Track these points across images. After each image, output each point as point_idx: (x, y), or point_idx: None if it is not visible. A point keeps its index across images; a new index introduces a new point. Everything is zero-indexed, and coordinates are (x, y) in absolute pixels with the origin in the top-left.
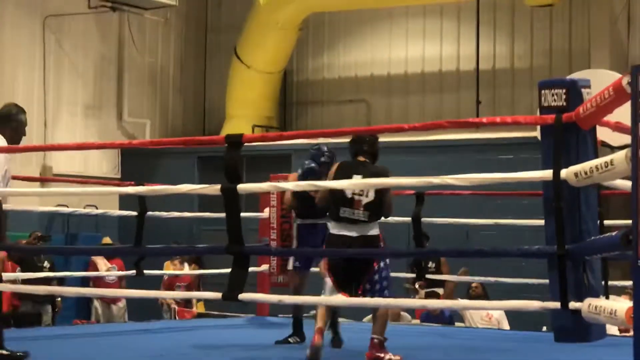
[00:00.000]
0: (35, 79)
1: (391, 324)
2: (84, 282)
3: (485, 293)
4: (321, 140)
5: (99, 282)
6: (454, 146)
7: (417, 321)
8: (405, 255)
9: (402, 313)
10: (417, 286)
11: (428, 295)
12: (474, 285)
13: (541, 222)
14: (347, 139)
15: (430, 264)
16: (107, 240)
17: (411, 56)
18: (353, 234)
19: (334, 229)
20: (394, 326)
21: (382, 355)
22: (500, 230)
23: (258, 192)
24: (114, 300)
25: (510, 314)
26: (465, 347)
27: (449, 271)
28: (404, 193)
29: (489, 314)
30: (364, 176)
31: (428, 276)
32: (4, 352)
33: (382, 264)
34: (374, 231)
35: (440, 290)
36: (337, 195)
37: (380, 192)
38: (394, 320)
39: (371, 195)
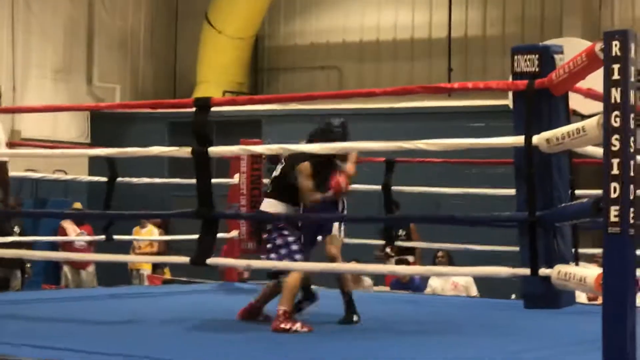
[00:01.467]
0: (4, 42)
1: (353, 289)
2: (53, 247)
3: (452, 262)
4: (294, 106)
5: (68, 247)
6: (425, 113)
7: (387, 288)
8: (376, 221)
9: (363, 278)
10: (388, 251)
11: (398, 262)
12: (440, 254)
13: (512, 191)
14: (318, 105)
15: (401, 232)
16: (77, 205)
17: (383, 23)
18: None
19: None
20: (358, 293)
21: (287, 326)
22: (471, 199)
23: (228, 159)
24: (84, 265)
25: (479, 282)
26: (432, 314)
27: (418, 239)
28: (374, 160)
29: (453, 282)
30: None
31: (398, 243)
32: None
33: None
34: (267, 207)
35: (411, 258)
36: None
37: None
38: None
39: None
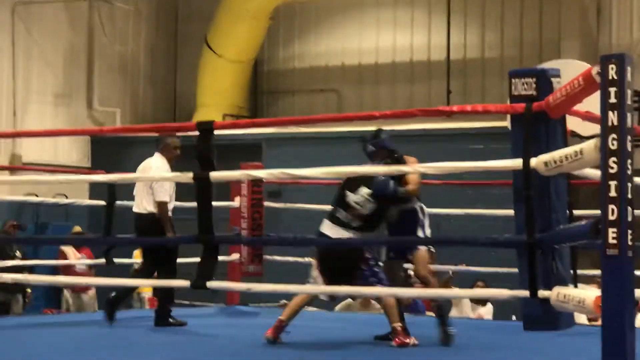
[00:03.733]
0: (4, 68)
1: (361, 312)
2: (54, 272)
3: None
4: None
5: (69, 271)
6: (424, 135)
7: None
8: (376, 244)
9: (372, 301)
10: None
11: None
12: (479, 283)
13: (511, 212)
14: (318, 128)
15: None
16: (77, 229)
17: (382, 46)
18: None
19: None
20: (364, 315)
21: (408, 340)
22: (471, 220)
23: (229, 182)
24: (85, 289)
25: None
26: (433, 336)
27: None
28: None
29: (479, 314)
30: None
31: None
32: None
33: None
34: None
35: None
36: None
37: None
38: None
39: (368, 208)
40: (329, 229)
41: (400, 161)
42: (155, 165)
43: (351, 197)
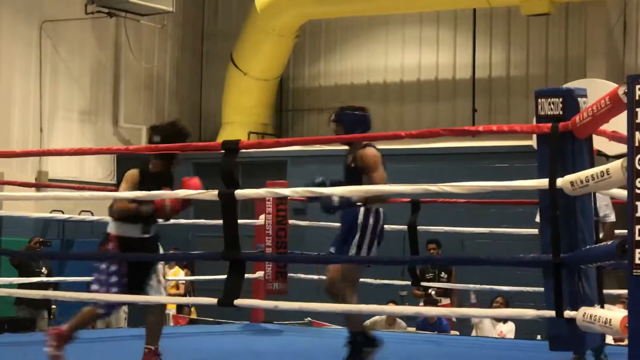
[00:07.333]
0: (32, 84)
1: (385, 330)
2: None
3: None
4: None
5: None
6: (450, 154)
7: (413, 329)
8: (400, 263)
9: (397, 320)
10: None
11: (427, 303)
12: (498, 300)
13: (536, 230)
14: (343, 147)
15: (443, 274)
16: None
17: (407, 64)
18: None
19: None
20: (388, 333)
21: None
22: (495, 238)
23: (254, 199)
24: None
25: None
26: (456, 355)
27: (456, 282)
28: (400, 201)
29: (501, 332)
30: None
31: (425, 284)
32: None
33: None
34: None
35: (446, 300)
36: None
37: None
38: (389, 326)
39: None
40: None
41: None
42: None
43: None
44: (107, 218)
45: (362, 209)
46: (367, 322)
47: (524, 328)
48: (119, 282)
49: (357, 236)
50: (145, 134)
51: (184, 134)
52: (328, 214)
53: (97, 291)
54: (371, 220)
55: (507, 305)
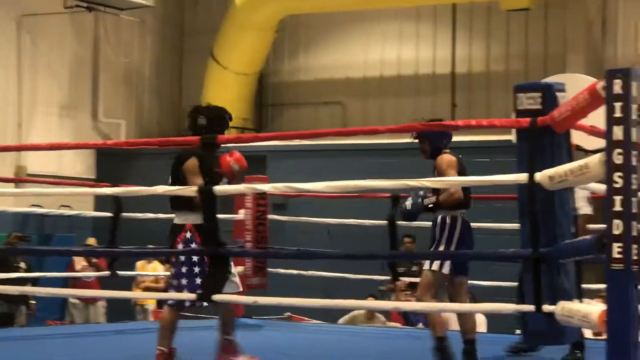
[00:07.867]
0: (10, 79)
1: (365, 325)
2: (63, 283)
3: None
4: (299, 142)
5: (77, 282)
6: None
7: (396, 324)
8: (379, 258)
9: (376, 314)
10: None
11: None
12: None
13: (516, 225)
14: (322, 141)
15: (414, 268)
16: (91, 241)
17: (387, 59)
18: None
19: None
20: (367, 328)
21: None
22: (475, 233)
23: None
24: (94, 300)
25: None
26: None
27: None
28: (380, 196)
29: None
30: None
31: (404, 279)
32: None
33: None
34: (178, 220)
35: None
36: None
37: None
38: (368, 320)
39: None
40: None
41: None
42: None
43: None
44: (86, 212)
45: (439, 216)
46: (346, 316)
47: (502, 322)
48: (202, 272)
49: (435, 243)
50: (125, 129)
51: (229, 117)
52: (407, 221)
53: (183, 286)
54: (449, 227)
55: (475, 300)
